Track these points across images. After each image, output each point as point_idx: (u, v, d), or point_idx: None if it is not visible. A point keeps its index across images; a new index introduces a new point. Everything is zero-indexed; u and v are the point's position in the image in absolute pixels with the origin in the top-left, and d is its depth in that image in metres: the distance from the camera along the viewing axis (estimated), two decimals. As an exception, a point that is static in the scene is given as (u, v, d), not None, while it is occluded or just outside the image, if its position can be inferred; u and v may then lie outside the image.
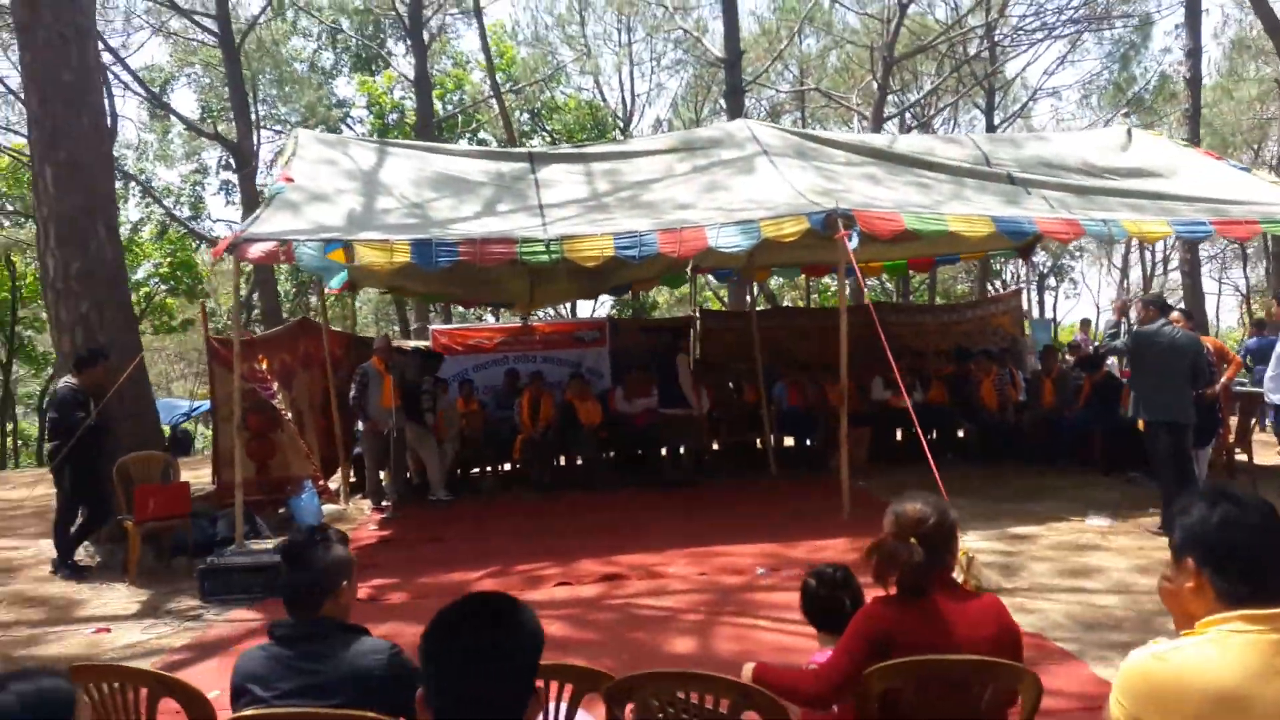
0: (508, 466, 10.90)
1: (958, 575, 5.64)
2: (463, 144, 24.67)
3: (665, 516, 8.44)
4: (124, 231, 29.50)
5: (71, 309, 7.29)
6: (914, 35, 27.29)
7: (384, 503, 9.49)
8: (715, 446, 11.24)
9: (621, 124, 33.20)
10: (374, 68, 30.98)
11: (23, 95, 7.75)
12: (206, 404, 9.13)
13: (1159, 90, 30.83)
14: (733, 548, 6.93)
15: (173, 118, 25.31)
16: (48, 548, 8.19)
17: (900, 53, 25.95)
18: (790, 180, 8.59)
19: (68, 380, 6.96)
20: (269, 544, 6.76)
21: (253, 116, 24.45)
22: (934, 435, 10.67)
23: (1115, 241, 8.33)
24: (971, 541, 6.96)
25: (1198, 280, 18.28)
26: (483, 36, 20.63)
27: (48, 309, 7.56)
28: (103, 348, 7.17)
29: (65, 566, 6.94)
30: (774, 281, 29.89)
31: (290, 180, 7.99)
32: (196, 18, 21.75)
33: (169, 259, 28.25)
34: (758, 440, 11.03)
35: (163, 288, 29.27)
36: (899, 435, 10.94)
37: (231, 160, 24.11)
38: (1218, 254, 37.59)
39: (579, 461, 10.96)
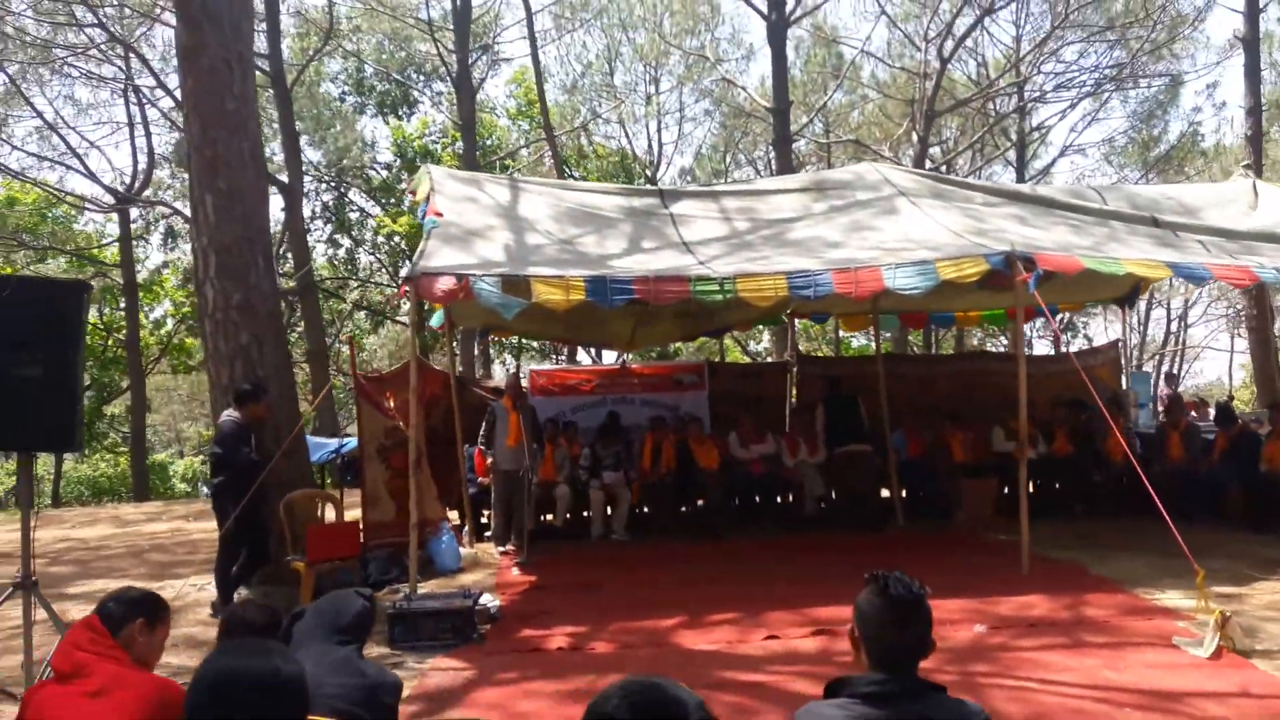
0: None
1: (1213, 636, 5.42)
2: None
3: (818, 566, 8.12)
4: (143, 270, 29.57)
5: (231, 340, 6.99)
6: (944, 89, 27.55)
7: (508, 546, 9.15)
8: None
9: (649, 174, 33.30)
10: (400, 112, 31.12)
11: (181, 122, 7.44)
12: (353, 441, 8.81)
13: (1189, 147, 31.16)
14: (931, 603, 6.57)
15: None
16: (184, 587, 7.84)
17: (939, 107, 26.14)
18: (940, 220, 8.42)
19: (230, 414, 6.64)
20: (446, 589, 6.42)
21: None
22: (1056, 487, 10.42)
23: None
24: (1175, 600, 6.69)
25: (1266, 335, 18.20)
26: (538, 75, 20.61)
27: (205, 340, 7.27)
28: (264, 381, 6.86)
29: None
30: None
31: (440, 215, 7.77)
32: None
33: (192, 297, 28.16)
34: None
35: (182, 327, 29.20)
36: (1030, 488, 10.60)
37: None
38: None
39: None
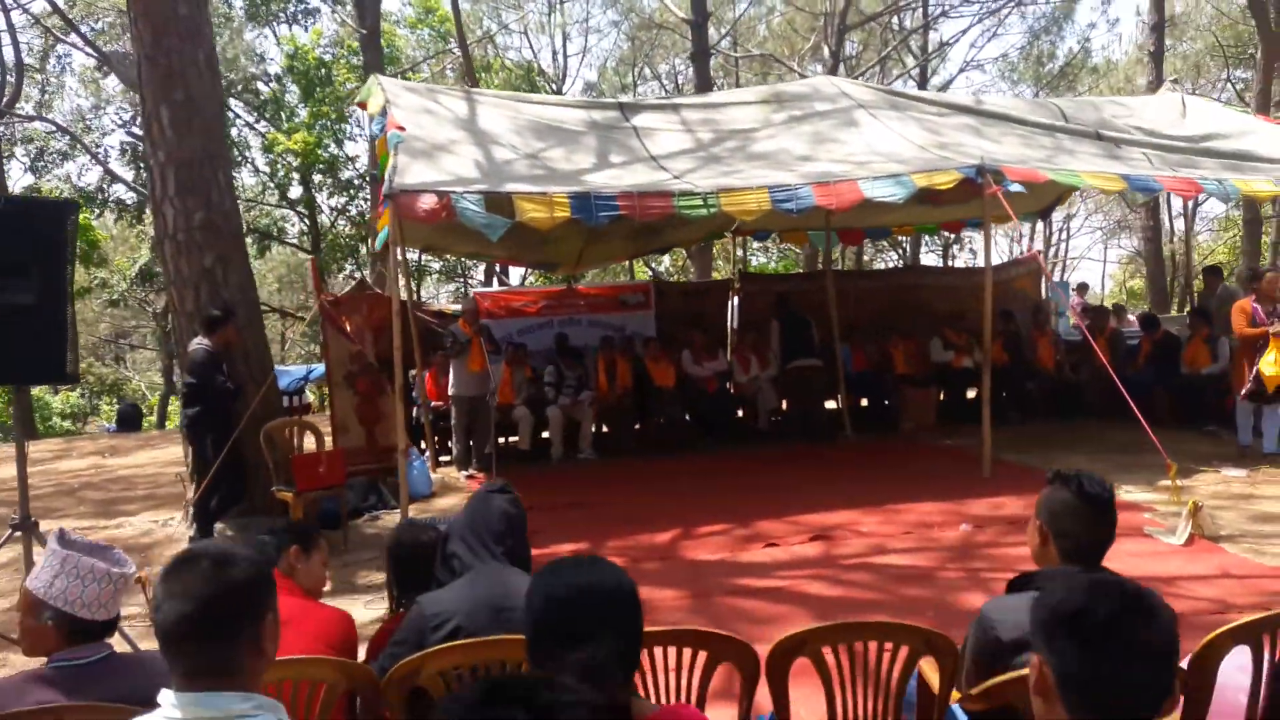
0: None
1: (1185, 524, 5.81)
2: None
3: (791, 477, 8.33)
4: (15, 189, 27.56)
5: (195, 263, 6.56)
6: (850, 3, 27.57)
7: (470, 471, 9.08)
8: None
9: (553, 88, 32.49)
10: (298, 21, 29.42)
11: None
12: (320, 368, 8.48)
13: (1080, 64, 32.16)
14: (907, 505, 6.85)
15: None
16: (146, 524, 7.53)
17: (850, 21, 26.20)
18: (901, 133, 8.52)
19: (200, 341, 6.30)
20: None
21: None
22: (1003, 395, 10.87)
23: (1230, 200, 8.48)
24: (1135, 494, 7.12)
25: (1159, 246, 19.18)
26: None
27: (164, 263, 6.81)
28: (231, 305, 6.52)
29: (208, 544, 6.33)
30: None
31: (403, 129, 7.43)
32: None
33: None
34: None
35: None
36: (969, 395, 11.04)
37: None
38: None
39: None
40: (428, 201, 6.45)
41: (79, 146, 27.61)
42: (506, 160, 7.66)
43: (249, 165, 30.91)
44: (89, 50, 22.28)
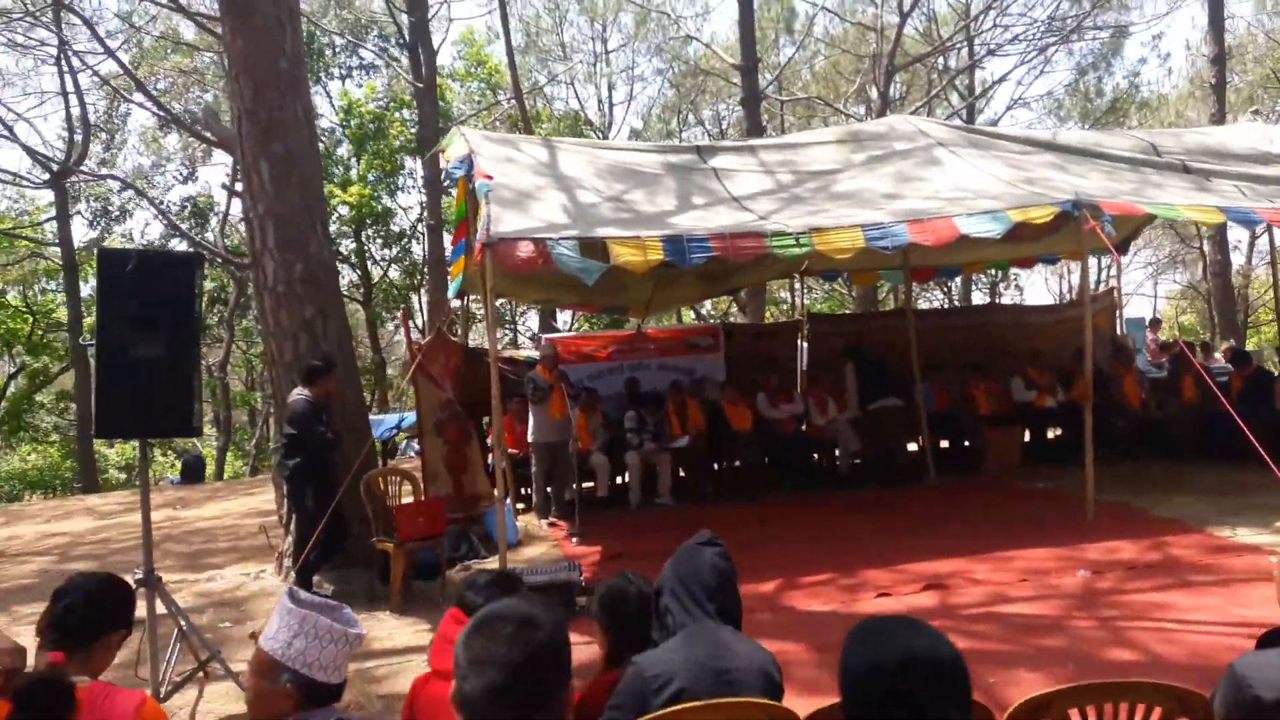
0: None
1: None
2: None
3: (882, 522, 8.15)
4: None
5: (295, 314, 6.60)
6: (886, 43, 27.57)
7: (550, 518, 8.97)
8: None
9: (600, 135, 32.84)
10: (352, 78, 30.06)
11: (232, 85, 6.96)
12: (411, 416, 8.47)
13: (1129, 99, 31.87)
14: (1016, 551, 6.63)
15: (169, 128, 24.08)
16: (241, 576, 7.51)
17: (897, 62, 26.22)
18: (986, 170, 8.41)
19: (300, 392, 6.29)
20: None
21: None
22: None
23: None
24: (1250, 536, 6.81)
25: (1227, 279, 18.78)
26: (506, 32, 19.95)
27: (263, 315, 6.85)
28: (332, 356, 6.52)
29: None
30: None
31: (490, 177, 7.45)
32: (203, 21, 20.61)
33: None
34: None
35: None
36: (1050, 435, 10.79)
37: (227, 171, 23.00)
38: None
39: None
40: (525, 249, 6.43)
41: (141, 202, 28.36)
42: (591, 204, 7.65)
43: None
44: (154, 109, 22.91)
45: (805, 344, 12.14)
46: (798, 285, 14.96)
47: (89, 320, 26.76)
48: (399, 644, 5.58)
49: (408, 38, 23.12)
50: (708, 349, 11.90)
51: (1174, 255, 38.19)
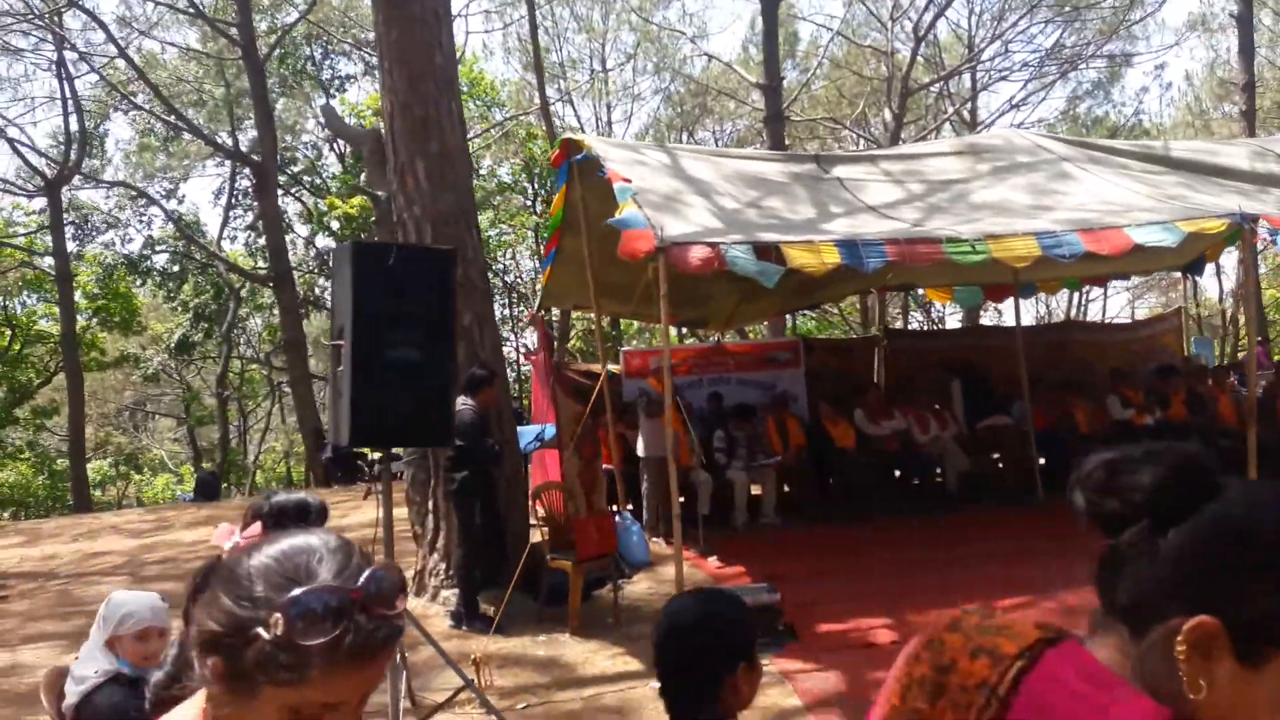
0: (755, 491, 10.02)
1: None
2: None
3: (1006, 541, 7.87)
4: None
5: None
6: (898, 68, 27.70)
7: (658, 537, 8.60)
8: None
9: (599, 153, 32.56)
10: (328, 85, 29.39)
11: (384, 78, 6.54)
12: (552, 428, 8.06)
13: (1128, 128, 32.30)
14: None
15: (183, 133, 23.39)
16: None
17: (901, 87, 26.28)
18: (1122, 185, 8.23)
19: (465, 402, 5.88)
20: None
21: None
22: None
23: None
24: None
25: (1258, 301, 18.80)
26: (535, 44, 19.65)
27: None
28: (492, 366, 6.13)
29: (478, 618, 5.83)
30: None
31: (629, 181, 7.12)
32: (220, 27, 20.09)
33: (106, 290, 26.12)
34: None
35: (94, 321, 26.99)
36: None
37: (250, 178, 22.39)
38: None
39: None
40: (699, 253, 6.13)
41: (125, 214, 27.55)
42: (735, 210, 7.36)
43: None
44: (164, 115, 22.25)
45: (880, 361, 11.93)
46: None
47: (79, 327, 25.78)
48: (603, 669, 5.18)
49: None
50: (786, 363, 11.61)
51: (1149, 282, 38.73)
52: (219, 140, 23.05)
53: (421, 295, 3.91)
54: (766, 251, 6.33)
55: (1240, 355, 14.55)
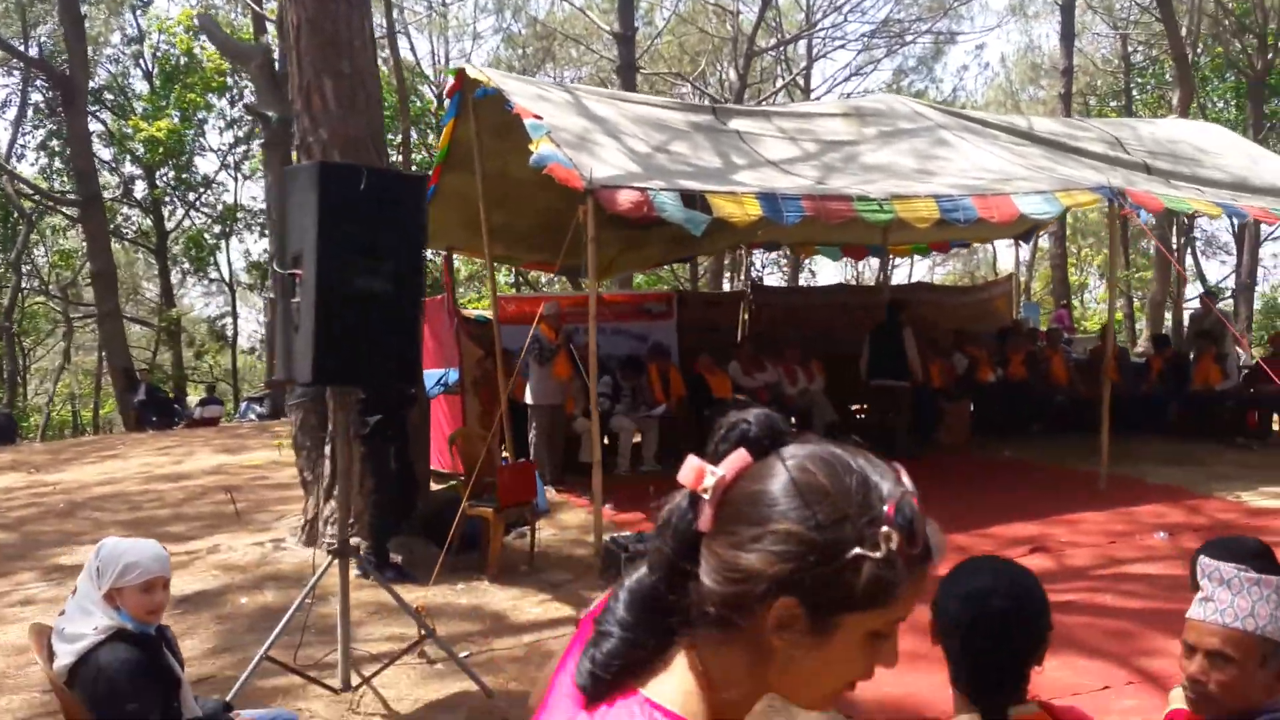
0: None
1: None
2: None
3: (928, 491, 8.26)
4: None
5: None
6: (741, 29, 28.04)
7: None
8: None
9: (435, 92, 31.44)
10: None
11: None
12: (455, 372, 7.60)
13: (950, 104, 34.18)
14: (1076, 516, 6.91)
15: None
16: (254, 546, 6.57)
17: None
18: (997, 155, 8.70)
19: (381, 341, 5.55)
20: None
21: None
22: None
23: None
24: (1267, 501, 7.43)
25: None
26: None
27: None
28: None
29: (390, 568, 5.56)
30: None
31: (539, 118, 6.88)
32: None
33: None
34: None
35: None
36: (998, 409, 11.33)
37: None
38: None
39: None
40: (629, 196, 6.03)
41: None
42: (646, 154, 7.26)
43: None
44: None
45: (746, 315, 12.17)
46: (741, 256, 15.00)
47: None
48: (535, 616, 5.09)
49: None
50: (660, 315, 11.66)
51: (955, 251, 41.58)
52: (14, 45, 20.57)
53: (393, 223, 3.62)
54: (691, 200, 6.29)
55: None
